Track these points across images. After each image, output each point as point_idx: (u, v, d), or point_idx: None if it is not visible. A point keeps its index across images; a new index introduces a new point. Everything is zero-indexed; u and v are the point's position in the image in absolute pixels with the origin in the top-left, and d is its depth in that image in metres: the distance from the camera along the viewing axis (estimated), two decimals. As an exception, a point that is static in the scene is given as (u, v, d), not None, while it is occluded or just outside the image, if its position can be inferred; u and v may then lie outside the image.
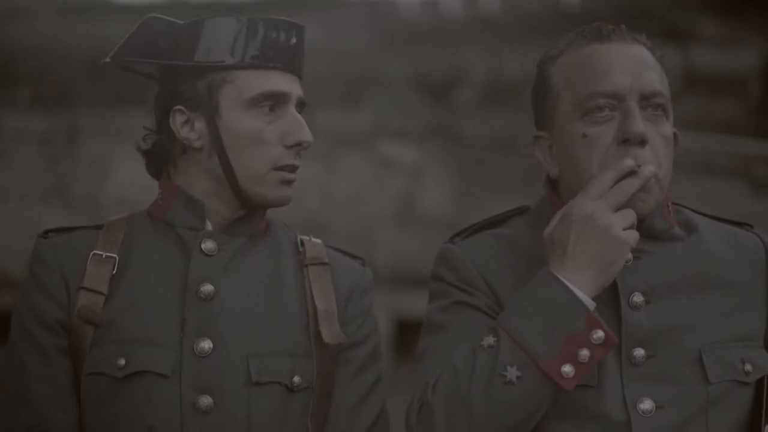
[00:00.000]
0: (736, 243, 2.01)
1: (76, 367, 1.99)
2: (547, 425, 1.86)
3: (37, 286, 2.03)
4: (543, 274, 1.83)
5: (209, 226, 2.06)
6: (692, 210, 2.04)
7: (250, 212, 2.07)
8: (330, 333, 2.05)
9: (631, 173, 1.84)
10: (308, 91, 2.09)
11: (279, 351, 2.02)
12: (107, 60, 2.08)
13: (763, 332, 1.96)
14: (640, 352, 1.89)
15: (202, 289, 2.00)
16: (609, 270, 1.82)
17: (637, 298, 1.90)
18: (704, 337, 1.91)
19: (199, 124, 2.04)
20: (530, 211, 2.05)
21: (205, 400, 1.96)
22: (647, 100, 1.89)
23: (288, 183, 2.05)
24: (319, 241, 2.16)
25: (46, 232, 2.08)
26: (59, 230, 2.09)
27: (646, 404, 1.86)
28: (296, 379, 2.01)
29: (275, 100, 2.03)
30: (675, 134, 1.95)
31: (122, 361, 1.96)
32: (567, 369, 1.79)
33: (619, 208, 1.83)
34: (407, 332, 6.42)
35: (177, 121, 2.04)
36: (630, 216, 1.83)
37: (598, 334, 1.79)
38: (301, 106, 2.07)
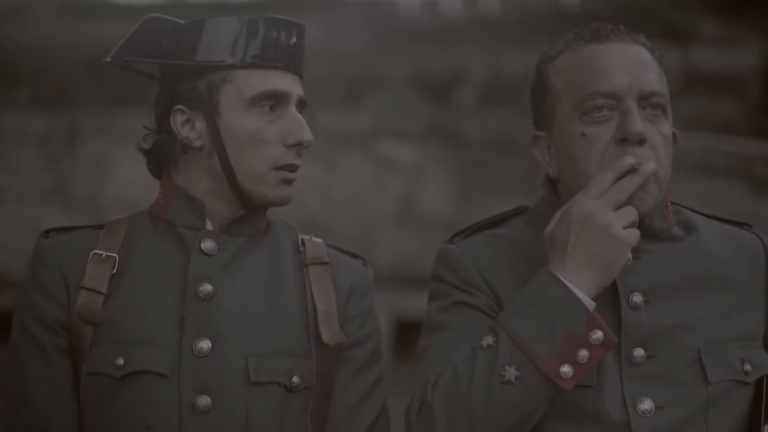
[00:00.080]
0: (735, 243, 2.01)
1: (76, 366, 1.99)
2: (546, 425, 1.86)
3: (37, 285, 2.03)
4: (543, 274, 1.83)
5: (209, 226, 2.06)
6: (692, 210, 2.04)
7: (250, 212, 2.08)
8: (329, 333, 2.05)
9: (632, 171, 1.84)
10: (308, 91, 2.09)
11: (278, 351, 2.01)
12: (108, 59, 2.08)
13: (762, 332, 1.96)
14: (639, 352, 1.89)
15: (201, 288, 2.00)
16: (609, 270, 1.81)
17: (637, 298, 1.90)
18: (704, 337, 1.91)
19: (200, 124, 2.04)
20: (530, 211, 2.05)
21: (204, 400, 1.96)
22: (646, 100, 1.89)
23: (288, 182, 2.05)
24: (320, 240, 2.16)
25: (47, 232, 2.08)
26: (60, 230, 2.09)
27: (646, 404, 1.86)
28: (295, 379, 2.01)
29: (276, 100, 2.03)
30: (674, 134, 1.95)
31: (121, 361, 1.96)
32: (565, 369, 1.79)
33: (619, 207, 1.83)
34: (407, 332, 6.42)
35: (177, 120, 2.04)
36: (631, 213, 1.83)
37: (597, 335, 1.79)
38: (301, 105, 2.07)
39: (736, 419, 1.91)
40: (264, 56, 2.03)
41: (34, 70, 9.70)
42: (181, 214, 2.06)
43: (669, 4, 9.65)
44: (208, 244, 2.03)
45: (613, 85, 1.88)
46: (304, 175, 2.10)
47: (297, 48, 2.07)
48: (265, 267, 2.07)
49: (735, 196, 6.91)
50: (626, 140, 1.87)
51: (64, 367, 2.00)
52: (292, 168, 2.05)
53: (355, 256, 2.19)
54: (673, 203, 2.00)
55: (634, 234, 1.82)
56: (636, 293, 1.90)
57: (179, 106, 2.04)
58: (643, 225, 1.89)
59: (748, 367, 1.91)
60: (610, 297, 1.89)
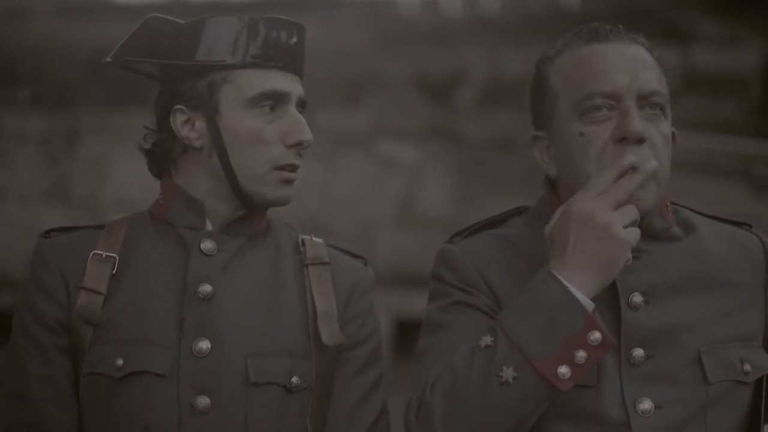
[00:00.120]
0: (735, 243, 2.01)
1: (76, 367, 1.99)
2: (545, 425, 1.86)
3: (37, 286, 2.03)
4: (543, 274, 1.83)
5: (209, 226, 2.06)
6: (691, 210, 2.04)
7: (250, 212, 2.07)
8: (329, 334, 2.05)
9: (632, 170, 1.83)
10: (308, 91, 2.09)
11: (278, 351, 2.01)
12: (108, 59, 2.08)
13: (762, 332, 1.96)
14: (639, 352, 1.88)
15: (200, 289, 2.00)
16: (609, 270, 1.81)
17: (637, 298, 1.90)
18: (703, 337, 1.90)
19: (200, 124, 2.04)
20: (529, 211, 2.05)
21: (203, 401, 1.96)
22: (645, 100, 1.89)
23: (288, 182, 2.05)
24: (320, 240, 2.16)
25: (48, 232, 2.08)
26: (61, 230, 2.10)
27: (646, 404, 1.86)
28: (295, 379, 2.01)
29: (276, 100, 2.03)
30: (673, 133, 1.95)
31: (120, 361, 1.96)
32: (563, 370, 1.78)
33: (619, 206, 1.83)
34: (407, 332, 6.42)
35: (177, 120, 2.04)
36: (631, 212, 1.81)
37: (595, 336, 1.78)
38: (301, 105, 2.07)
39: (736, 419, 1.91)
40: (264, 56, 2.03)
41: (34, 70, 9.70)
42: (181, 214, 2.06)
43: (669, 4, 9.65)
44: (207, 245, 2.03)
45: (612, 84, 1.88)
46: (304, 175, 2.10)
47: (297, 48, 2.07)
48: (265, 267, 2.07)
49: (735, 196, 6.91)
50: (625, 139, 1.86)
51: (64, 367, 2.00)
52: (292, 168, 2.05)
53: (355, 256, 2.19)
54: (672, 203, 2.00)
55: (634, 234, 1.81)
56: (635, 293, 1.90)
57: (179, 106, 2.04)
58: (642, 225, 1.89)
59: (747, 367, 1.91)
60: (610, 297, 1.88)
